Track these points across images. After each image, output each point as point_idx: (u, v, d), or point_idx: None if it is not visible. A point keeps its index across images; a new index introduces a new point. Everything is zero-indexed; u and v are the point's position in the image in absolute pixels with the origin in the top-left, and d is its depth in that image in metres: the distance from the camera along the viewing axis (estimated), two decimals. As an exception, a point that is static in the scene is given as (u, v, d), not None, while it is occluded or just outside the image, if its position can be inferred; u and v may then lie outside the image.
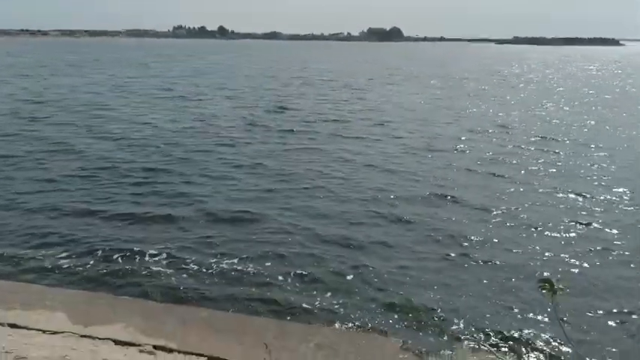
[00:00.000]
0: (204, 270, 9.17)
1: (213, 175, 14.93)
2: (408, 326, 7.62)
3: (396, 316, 7.86)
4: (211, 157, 16.98)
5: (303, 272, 9.16)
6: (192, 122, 23.21)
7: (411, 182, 14.57)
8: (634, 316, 7.96)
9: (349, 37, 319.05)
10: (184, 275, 9.01)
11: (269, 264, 9.47)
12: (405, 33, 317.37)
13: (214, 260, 9.51)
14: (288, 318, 7.81)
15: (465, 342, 7.14)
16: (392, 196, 13.22)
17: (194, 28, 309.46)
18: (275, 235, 10.80)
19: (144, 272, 9.06)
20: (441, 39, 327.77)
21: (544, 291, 3.06)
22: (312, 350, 6.70)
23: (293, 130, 21.68)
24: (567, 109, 30.22)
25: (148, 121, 23.27)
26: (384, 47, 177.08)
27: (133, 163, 15.95)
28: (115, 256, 9.59)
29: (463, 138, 20.81)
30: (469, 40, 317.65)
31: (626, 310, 8.11)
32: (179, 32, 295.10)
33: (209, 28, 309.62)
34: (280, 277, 9.00)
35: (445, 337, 7.28)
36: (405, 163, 16.74)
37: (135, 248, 9.86)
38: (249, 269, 9.24)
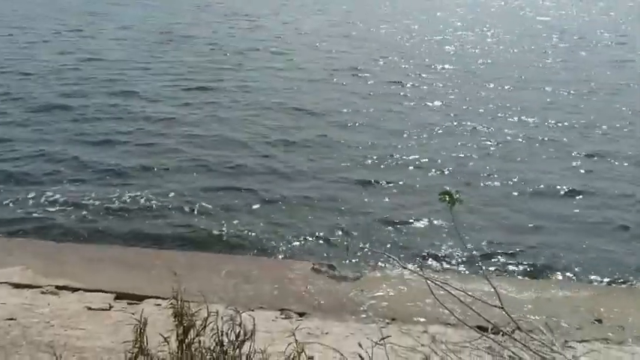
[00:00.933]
0: (107, 205, 8.80)
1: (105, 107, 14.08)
2: (319, 248, 7.82)
3: (306, 240, 8.03)
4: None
5: (210, 202, 9.05)
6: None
7: (310, 119, 14.52)
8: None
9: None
10: (84, 212, 8.60)
11: (173, 195, 9.25)
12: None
13: (116, 195, 9.13)
14: (198, 249, 7.77)
15: (373, 259, 7.42)
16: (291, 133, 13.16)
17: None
18: (179, 163, 10.54)
19: (41, 212, 8.56)
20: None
21: (444, 202, 3.18)
22: (222, 279, 6.70)
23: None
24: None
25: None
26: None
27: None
28: (7, 198, 8.97)
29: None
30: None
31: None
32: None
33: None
34: (187, 209, 8.85)
35: (356, 257, 7.53)
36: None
37: (30, 187, 9.29)
38: (152, 202, 8.98)
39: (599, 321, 5.65)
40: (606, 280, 7.16)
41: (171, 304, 3.11)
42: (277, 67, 19.13)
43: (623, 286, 7.01)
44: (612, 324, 5.61)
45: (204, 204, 9.00)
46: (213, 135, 12.26)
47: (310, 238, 8.07)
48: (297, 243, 7.96)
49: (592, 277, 7.22)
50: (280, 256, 7.64)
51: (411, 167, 10.80)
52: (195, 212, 8.78)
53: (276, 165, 10.73)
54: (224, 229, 8.24)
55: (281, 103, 14.83)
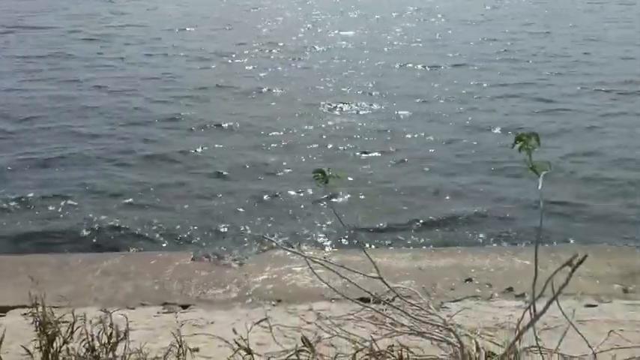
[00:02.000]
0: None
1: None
2: (199, 238, 7.64)
3: (184, 230, 7.82)
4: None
5: (76, 199, 8.52)
6: None
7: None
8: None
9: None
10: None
11: (31, 194, 8.58)
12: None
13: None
14: (68, 250, 7.28)
15: (255, 243, 7.37)
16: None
17: None
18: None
19: None
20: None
21: (318, 179, 3.17)
22: (97, 278, 6.32)
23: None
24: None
25: None
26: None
27: None
28: None
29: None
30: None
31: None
32: None
33: None
34: (50, 207, 8.25)
35: (237, 242, 7.44)
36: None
37: None
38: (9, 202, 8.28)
39: (470, 280, 6.03)
40: (478, 241, 7.68)
41: (32, 312, 2.85)
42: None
43: (493, 246, 7.54)
44: (480, 282, 6.01)
45: (69, 201, 8.43)
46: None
47: (188, 228, 7.86)
48: (175, 234, 7.72)
49: (465, 239, 7.72)
50: (159, 250, 7.36)
51: (282, 149, 10.87)
52: (60, 210, 8.20)
53: (144, 152, 10.34)
54: (95, 226, 7.80)
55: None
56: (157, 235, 7.68)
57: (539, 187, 2.63)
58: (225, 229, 7.80)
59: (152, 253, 7.26)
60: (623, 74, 16.54)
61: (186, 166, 9.92)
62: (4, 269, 6.69)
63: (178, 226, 7.88)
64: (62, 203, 8.32)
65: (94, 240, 7.59)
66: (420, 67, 17.72)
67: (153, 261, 6.96)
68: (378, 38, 22.78)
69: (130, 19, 26.04)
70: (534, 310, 2.86)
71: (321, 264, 4.14)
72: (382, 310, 4.39)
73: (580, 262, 2.57)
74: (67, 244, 7.44)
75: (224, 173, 9.65)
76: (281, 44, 20.99)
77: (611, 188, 9.31)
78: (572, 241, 7.62)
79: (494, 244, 7.57)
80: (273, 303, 5.76)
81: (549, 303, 2.79)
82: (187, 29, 23.68)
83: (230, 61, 18.30)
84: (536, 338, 2.94)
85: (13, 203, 8.26)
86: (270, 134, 11.54)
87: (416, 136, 11.67)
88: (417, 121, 12.57)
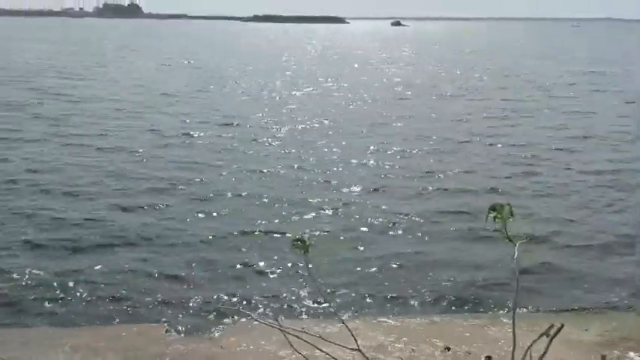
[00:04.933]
0: None
1: None
2: (171, 309, 7.44)
3: (156, 302, 7.62)
4: None
5: (41, 269, 8.29)
6: None
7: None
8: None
9: (82, 13, 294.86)
10: None
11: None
12: (146, 9, 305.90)
13: None
14: (32, 324, 7.01)
15: (229, 314, 7.20)
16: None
17: None
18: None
19: None
20: (184, 16, 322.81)
21: (297, 248, 3.12)
22: (66, 354, 6.06)
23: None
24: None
25: None
26: (120, 25, 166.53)
27: None
28: None
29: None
30: (214, 18, 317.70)
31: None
32: None
33: None
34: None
35: (212, 314, 7.25)
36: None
37: None
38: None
39: (449, 349, 5.96)
40: (457, 309, 7.63)
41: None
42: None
43: (472, 314, 7.49)
44: (460, 350, 5.94)
45: (36, 271, 8.20)
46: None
47: (161, 299, 7.67)
48: (148, 305, 7.52)
49: (443, 308, 7.66)
50: (130, 322, 7.12)
51: (257, 216, 10.84)
52: (23, 282, 7.96)
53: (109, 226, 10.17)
54: (60, 299, 7.56)
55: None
56: (129, 307, 7.46)
57: (515, 257, 2.65)
58: (200, 301, 7.63)
59: (124, 325, 7.03)
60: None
61: (158, 236, 9.79)
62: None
63: (150, 298, 7.68)
64: (25, 274, 8.09)
65: (62, 312, 7.33)
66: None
67: (123, 334, 6.73)
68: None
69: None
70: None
71: (298, 336, 4.05)
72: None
73: (557, 332, 2.57)
74: (31, 316, 7.18)
75: (198, 243, 9.53)
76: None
77: (585, 252, 9.49)
78: (549, 306, 7.64)
79: (473, 312, 7.54)
80: (250, 377, 5.58)
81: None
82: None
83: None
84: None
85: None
86: (247, 204, 11.52)
87: (393, 207, 11.79)
88: (392, 191, 12.74)
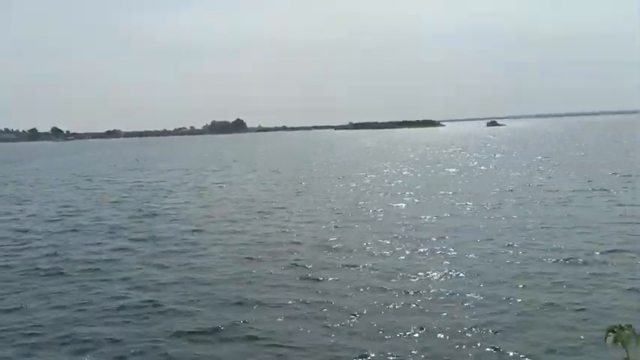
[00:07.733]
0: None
1: None
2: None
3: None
4: None
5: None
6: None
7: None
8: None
9: (193, 131, 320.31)
10: None
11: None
12: (249, 124, 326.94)
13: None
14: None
15: None
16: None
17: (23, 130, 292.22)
18: None
19: None
20: (284, 128, 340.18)
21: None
22: None
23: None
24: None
25: None
26: (228, 139, 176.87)
27: None
28: None
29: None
30: (310, 128, 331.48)
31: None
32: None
33: (41, 130, 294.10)
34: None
35: None
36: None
37: None
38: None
39: None
40: None
41: None
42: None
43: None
44: None
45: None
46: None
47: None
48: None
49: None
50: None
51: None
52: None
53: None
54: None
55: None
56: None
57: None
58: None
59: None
60: None
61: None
62: None
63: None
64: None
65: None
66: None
67: None
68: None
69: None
70: None
71: None
72: None
73: None
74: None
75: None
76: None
77: None
78: None
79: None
80: None
81: None
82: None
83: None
84: None
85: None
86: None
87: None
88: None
